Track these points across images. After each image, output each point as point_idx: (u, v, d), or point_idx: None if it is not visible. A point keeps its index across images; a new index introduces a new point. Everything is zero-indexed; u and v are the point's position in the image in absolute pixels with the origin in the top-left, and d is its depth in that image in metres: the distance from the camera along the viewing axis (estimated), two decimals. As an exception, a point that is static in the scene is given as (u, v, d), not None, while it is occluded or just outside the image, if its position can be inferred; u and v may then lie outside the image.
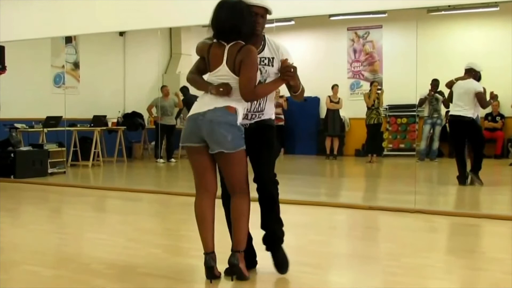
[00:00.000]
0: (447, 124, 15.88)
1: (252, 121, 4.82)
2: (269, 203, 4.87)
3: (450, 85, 10.92)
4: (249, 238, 4.93)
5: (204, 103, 4.61)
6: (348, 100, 17.67)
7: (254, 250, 5.02)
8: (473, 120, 10.63)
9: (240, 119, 4.57)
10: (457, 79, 10.80)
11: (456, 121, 10.65)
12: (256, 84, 4.58)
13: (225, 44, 4.60)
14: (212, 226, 4.73)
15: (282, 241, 4.98)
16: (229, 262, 4.60)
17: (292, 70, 4.63)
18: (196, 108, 4.64)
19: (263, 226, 4.94)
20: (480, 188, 10.40)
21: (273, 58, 4.75)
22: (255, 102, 4.76)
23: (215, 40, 4.67)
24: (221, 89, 4.55)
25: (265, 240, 4.98)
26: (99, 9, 10.91)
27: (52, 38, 13.74)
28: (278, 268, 4.93)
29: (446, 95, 11.49)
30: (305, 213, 8.23)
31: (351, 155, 18.03)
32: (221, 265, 4.73)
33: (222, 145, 4.50)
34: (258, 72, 4.62)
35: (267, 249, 4.98)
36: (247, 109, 4.73)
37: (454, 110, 10.72)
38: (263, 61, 4.74)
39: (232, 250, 4.66)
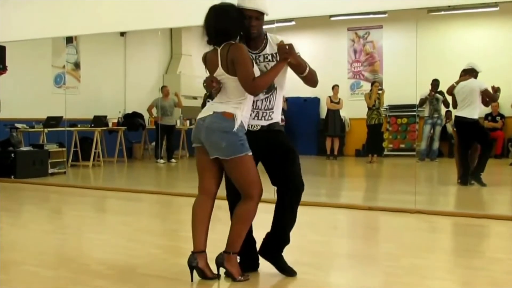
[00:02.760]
0: (447, 124, 15.95)
1: (263, 122, 4.80)
2: (285, 211, 4.84)
3: (451, 90, 10.93)
4: (252, 242, 4.95)
5: (207, 108, 4.71)
6: (348, 100, 17.69)
7: (256, 253, 4.99)
8: (477, 121, 10.64)
9: (237, 125, 4.54)
10: (457, 82, 10.82)
11: (462, 122, 10.65)
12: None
13: (218, 48, 4.63)
14: (204, 226, 4.74)
15: (287, 242, 4.95)
16: (215, 260, 4.65)
17: (287, 47, 4.59)
18: (201, 113, 4.72)
19: (271, 233, 4.91)
20: (481, 188, 10.39)
21: (276, 53, 4.73)
22: (265, 100, 4.76)
23: (211, 47, 4.71)
24: (205, 84, 4.70)
25: (264, 248, 4.94)
26: (100, 10, 10.91)
27: (53, 38, 13.75)
28: (285, 272, 4.91)
29: (450, 100, 11.43)
30: (305, 213, 8.13)
31: (351, 155, 18.06)
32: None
33: (218, 152, 4.56)
34: (256, 67, 4.63)
35: (268, 258, 4.94)
36: (258, 107, 4.74)
37: (459, 112, 10.72)
38: (267, 57, 4.74)
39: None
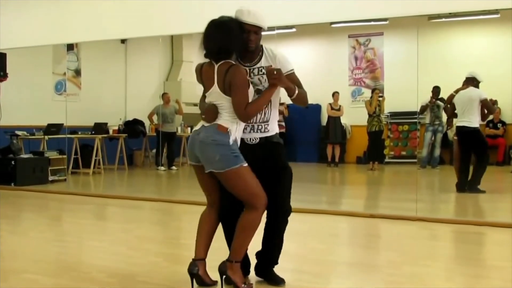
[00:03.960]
0: (448, 131, 15.89)
1: (259, 135, 4.77)
2: (273, 234, 4.89)
3: (450, 99, 10.93)
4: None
5: (201, 123, 4.68)
6: (349, 107, 17.63)
7: (248, 258, 4.97)
8: (478, 130, 10.62)
9: (232, 138, 4.52)
10: (456, 91, 10.81)
11: (462, 132, 10.63)
12: (253, 97, 4.60)
13: (215, 63, 4.58)
14: (206, 236, 4.77)
15: (275, 263, 4.97)
16: (218, 268, 4.62)
17: (275, 72, 4.55)
18: (196, 127, 4.72)
19: (260, 252, 4.96)
20: (482, 195, 10.36)
21: (270, 66, 4.69)
22: (261, 113, 4.73)
23: (206, 60, 4.66)
24: (203, 116, 4.66)
25: (257, 268, 4.98)
26: (101, 17, 10.91)
27: (53, 45, 13.73)
28: (274, 283, 4.90)
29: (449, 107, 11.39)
30: (306, 221, 8.20)
31: (352, 163, 17.99)
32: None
33: (211, 165, 4.52)
34: (251, 87, 4.60)
35: (260, 275, 4.98)
36: (253, 121, 4.71)
37: (460, 121, 10.70)
38: (261, 70, 4.70)
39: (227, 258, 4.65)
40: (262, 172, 4.70)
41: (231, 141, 4.50)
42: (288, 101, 5.00)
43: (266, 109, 4.75)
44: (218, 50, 4.52)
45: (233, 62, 4.56)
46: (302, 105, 4.94)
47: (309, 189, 12.14)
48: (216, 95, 4.56)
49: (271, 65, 4.67)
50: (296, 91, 4.71)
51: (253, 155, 4.65)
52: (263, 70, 4.70)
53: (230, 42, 4.50)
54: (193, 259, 4.70)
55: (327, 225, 8.17)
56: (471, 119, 10.49)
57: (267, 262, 4.95)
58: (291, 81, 4.72)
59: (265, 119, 4.77)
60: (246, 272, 4.94)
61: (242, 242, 4.62)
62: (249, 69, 4.71)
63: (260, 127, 4.77)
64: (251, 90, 4.59)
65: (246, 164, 4.52)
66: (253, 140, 4.74)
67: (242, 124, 4.63)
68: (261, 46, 4.79)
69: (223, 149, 4.48)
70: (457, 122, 10.84)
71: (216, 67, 4.55)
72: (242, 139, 4.68)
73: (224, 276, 4.64)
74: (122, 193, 11.58)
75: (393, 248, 6.70)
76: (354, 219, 8.46)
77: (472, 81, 10.67)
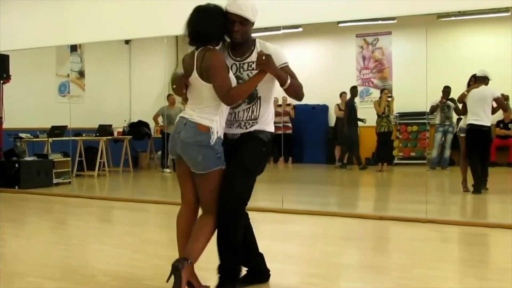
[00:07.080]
0: (457, 132, 15.77)
1: (243, 131, 4.60)
2: (223, 235, 4.57)
3: (462, 98, 10.84)
4: (260, 256, 4.86)
5: (181, 120, 4.53)
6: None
7: (265, 266, 4.89)
8: (490, 129, 10.57)
9: (214, 138, 4.36)
10: (468, 90, 10.72)
11: (476, 130, 10.54)
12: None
13: (195, 50, 4.50)
14: (184, 238, 4.70)
15: (234, 279, 4.62)
16: (172, 264, 4.43)
17: (263, 57, 4.37)
18: (176, 123, 4.59)
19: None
20: (492, 197, 10.35)
21: (261, 51, 4.49)
22: (247, 110, 4.58)
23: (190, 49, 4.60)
24: (174, 87, 4.64)
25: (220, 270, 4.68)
26: (105, 17, 10.90)
27: (57, 47, 13.68)
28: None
29: (461, 108, 11.31)
30: (315, 223, 8.16)
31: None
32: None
33: (193, 166, 4.44)
34: (233, 76, 4.46)
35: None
36: (239, 118, 4.59)
37: (473, 119, 10.58)
38: (251, 65, 4.53)
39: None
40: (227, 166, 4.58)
41: (212, 141, 4.37)
42: (294, 102, 4.83)
43: (253, 105, 4.58)
44: (194, 34, 4.45)
45: (211, 47, 4.45)
46: (296, 98, 4.66)
47: (317, 191, 12.08)
48: (195, 82, 4.46)
49: (261, 50, 4.49)
50: (289, 81, 4.46)
51: (232, 149, 4.52)
52: (253, 66, 4.51)
53: (205, 27, 4.41)
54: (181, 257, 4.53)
55: (336, 227, 8.09)
56: (487, 117, 10.45)
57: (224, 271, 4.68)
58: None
59: (253, 117, 4.59)
60: (264, 279, 4.83)
61: (199, 245, 4.51)
62: (239, 64, 4.56)
63: (247, 124, 4.60)
64: (231, 77, 4.45)
65: (224, 166, 4.46)
66: (234, 135, 4.61)
67: (225, 116, 4.49)
68: (254, 40, 4.62)
69: (206, 150, 4.38)
70: (469, 119, 10.71)
71: (196, 53, 4.47)
72: (224, 134, 4.54)
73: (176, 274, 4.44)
74: (127, 196, 11.63)
75: (403, 250, 6.64)
76: (363, 221, 8.37)
77: (484, 80, 10.62)
